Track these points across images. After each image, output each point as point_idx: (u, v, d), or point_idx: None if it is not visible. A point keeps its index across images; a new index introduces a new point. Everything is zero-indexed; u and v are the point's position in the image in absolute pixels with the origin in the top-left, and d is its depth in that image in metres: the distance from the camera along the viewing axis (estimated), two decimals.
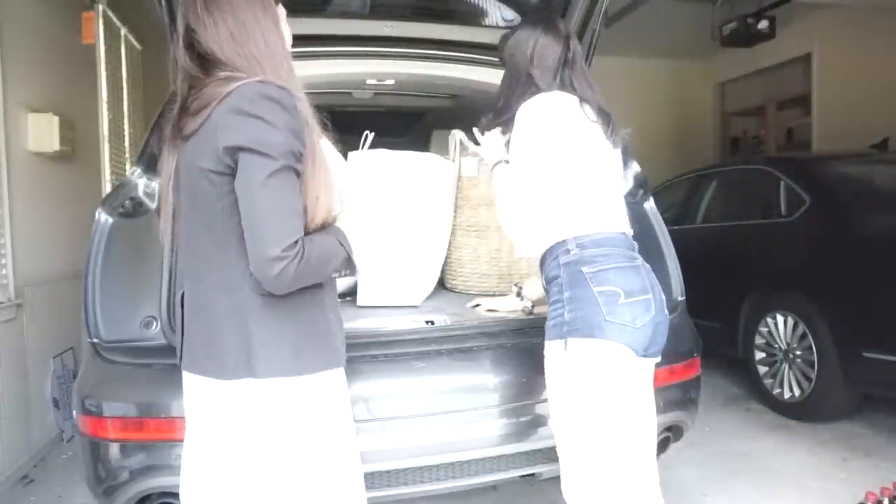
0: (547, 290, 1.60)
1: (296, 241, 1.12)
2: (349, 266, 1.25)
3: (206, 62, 1.22)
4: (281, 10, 1.30)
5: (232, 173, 1.14)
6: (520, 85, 1.67)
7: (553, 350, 1.52)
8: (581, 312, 1.46)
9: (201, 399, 1.27)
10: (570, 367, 1.48)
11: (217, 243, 1.20)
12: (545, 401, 1.92)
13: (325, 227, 1.24)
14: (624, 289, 1.47)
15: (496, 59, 2.62)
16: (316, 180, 1.20)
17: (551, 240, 1.57)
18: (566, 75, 1.66)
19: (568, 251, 1.52)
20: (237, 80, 1.16)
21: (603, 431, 1.47)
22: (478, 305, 2.21)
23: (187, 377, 1.30)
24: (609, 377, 1.46)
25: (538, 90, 1.63)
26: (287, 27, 1.31)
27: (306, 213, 1.18)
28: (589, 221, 1.55)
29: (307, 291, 1.22)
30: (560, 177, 1.55)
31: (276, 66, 1.22)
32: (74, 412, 1.78)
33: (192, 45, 1.23)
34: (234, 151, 1.13)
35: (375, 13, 2.61)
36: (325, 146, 1.86)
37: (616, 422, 1.48)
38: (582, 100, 1.61)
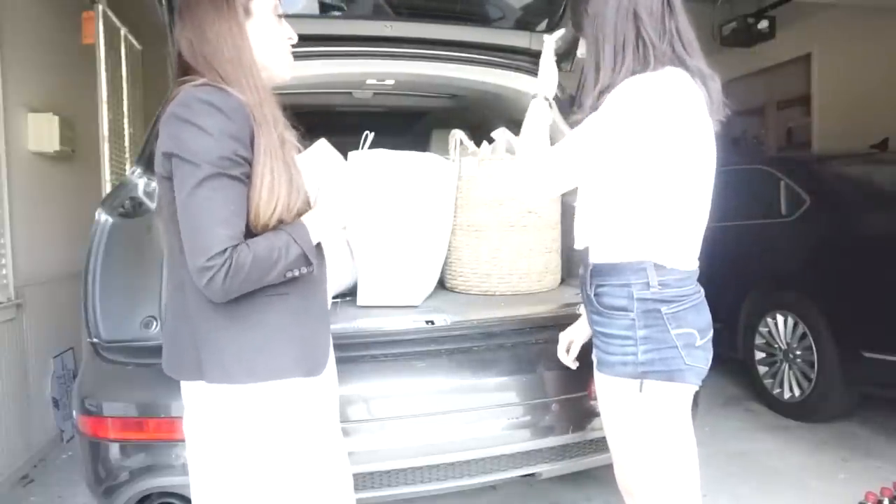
0: (599, 313, 1.43)
1: (223, 251, 1.06)
2: (305, 263, 1.15)
3: (184, 64, 1.21)
4: (262, 11, 1.24)
5: (172, 178, 1.13)
6: (625, 50, 1.37)
7: (622, 388, 1.40)
8: (658, 355, 1.35)
9: (183, 397, 1.29)
10: (646, 410, 1.39)
11: (174, 243, 1.18)
12: (544, 401, 1.93)
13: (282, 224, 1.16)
14: (699, 328, 1.37)
15: (496, 59, 2.63)
16: (261, 184, 1.12)
17: (622, 256, 1.37)
18: (671, 27, 1.41)
19: (647, 285, 1.35)
20: (188, 84, 1.14)
21: (680, 469, 1.44)
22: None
23: None
24: (684, 418, 1.42)
25: (649, 56, 1.35)
26: (285, 26, 1.29)
27: (249, 216, 1.13)
28: (678, 252, 1.36)
29: (263, 296, 1.16)
30: (664, 189, 1.33)
31: (240, 72, 1.16)
32: (74, 412, 1.78)
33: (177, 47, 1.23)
34: (168, 157, 1.12)
35: (375, 13, 2.61)
36: (322, 148, 1.85)
37: (690, 458, 1.45)
38: (703, 83, 1.36)
